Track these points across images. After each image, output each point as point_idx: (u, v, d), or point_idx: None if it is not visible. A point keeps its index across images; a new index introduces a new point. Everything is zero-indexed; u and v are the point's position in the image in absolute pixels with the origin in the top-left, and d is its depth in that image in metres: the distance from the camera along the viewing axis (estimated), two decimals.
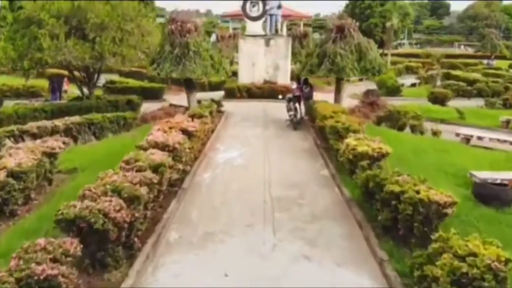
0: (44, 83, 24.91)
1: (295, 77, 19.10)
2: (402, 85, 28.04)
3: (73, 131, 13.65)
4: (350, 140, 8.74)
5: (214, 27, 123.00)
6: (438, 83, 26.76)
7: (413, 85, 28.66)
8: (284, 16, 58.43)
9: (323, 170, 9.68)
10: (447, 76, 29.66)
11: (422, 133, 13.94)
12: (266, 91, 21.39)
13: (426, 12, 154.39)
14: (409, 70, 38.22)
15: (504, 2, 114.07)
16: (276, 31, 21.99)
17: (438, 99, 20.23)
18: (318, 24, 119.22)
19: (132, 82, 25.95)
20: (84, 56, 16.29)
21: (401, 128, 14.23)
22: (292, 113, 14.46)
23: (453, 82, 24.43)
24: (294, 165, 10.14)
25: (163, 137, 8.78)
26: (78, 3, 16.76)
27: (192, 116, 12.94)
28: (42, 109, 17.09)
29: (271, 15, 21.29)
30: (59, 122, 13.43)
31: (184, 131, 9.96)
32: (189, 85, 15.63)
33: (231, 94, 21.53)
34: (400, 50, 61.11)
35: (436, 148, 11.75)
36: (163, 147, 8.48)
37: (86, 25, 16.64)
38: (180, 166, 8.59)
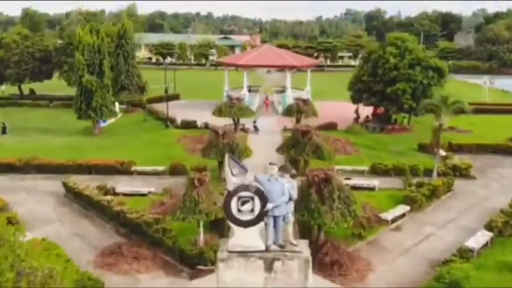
0: None
1: None
2: (471, 251, 18.59)
3: None
4: None
5: (211, 48, 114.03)
6: None
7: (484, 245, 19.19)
8: (289, 67, 49.11)
9: None
10: None
11: None
12: None
13: (436, 28, 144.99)
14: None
15: None
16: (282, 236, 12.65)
17: None
18: (324, 47, 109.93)
19: None
20: None
21: None
22: None
23: None
24: None
25: None
26: None
27: None
28: None
29: (275, 217, 11.89)
30: None
31: None
32: None
33: None
34: None
35: None
36: None
37: None
38: None
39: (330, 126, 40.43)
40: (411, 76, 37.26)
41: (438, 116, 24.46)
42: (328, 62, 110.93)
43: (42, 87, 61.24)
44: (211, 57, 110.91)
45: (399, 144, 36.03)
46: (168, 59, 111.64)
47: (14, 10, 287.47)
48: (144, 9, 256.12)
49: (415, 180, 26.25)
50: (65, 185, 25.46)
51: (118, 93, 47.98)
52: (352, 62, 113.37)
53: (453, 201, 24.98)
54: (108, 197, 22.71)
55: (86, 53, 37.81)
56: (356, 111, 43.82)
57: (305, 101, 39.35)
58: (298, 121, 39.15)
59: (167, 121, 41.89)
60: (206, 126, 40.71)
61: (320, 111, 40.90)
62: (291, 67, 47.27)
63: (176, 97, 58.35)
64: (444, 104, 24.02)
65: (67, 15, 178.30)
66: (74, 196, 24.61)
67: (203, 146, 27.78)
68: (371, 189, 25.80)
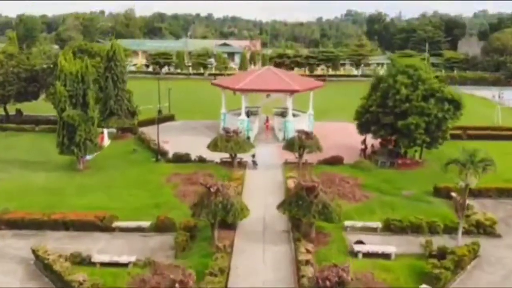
0: None
1: None
2: None
3: None
4: None
5: (210, 57, 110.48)
6: None
7: None
8: (290, 91, 45.68)
9: None
10: None
11: None
12: None
13: (440, 34, 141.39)
14: None
15: None
16: None
17: None
18: (325, 57, 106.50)
19: None
20: None
21: None
22: None
23: None
24: None
25: None
26: None
27: None
28: None
29: None
30: None
31: None
32: None
33: None
34: None
35: None
36: None
37: None
38: None
39: (336, 161, 37.08)
40: (425, 109, 33.94)
41: (464, 176, 21.13)
42: (330, 71, 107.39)
43: (30, 107, 57.88)
44: (209, 66, 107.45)
45: (412, 185, 32.69)
46: (166, 68, 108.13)
47: (13, 11, 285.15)
48: (144, 10, 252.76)
49: (435, 242, 23.12)
50: (34, 252, 22.19)
51: (106, 119, 44.64)
52: (354, 71, 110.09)
53: (480, 273, 21.65)
54: (81, 277, 19.38)
55: (68, 83, 34.47)
56: (364, 142, 40.50)
57: (308, 134, 36.04)
58: (300, 156, 35.95)
59: (158, 154, 38.51)
60: (201, 160, 37.60)
61: (323, 138, 37.82)
62: (293, 91, 43.90)
63: (170, 118, 55.00)
64: (472, 163, 20.72)
65: (64, 20, 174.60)
66: (44, 267, 21.34)
67: (194, 202, 24.44)
68: (387, 255, 22.49)
